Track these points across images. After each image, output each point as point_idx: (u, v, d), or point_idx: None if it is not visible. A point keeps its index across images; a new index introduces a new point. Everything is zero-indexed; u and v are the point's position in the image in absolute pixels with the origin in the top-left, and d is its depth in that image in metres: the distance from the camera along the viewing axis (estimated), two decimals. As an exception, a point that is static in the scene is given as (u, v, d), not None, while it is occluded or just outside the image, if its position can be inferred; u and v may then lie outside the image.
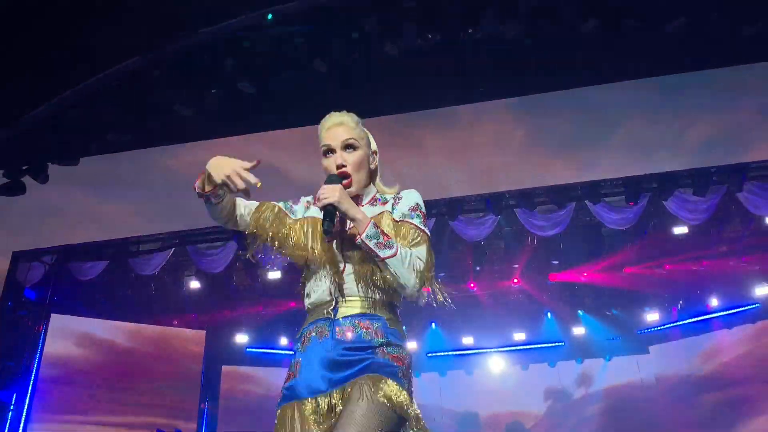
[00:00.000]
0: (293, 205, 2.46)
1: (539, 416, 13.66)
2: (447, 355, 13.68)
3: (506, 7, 7.28)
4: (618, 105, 9.86)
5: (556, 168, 10.26)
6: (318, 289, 2.26)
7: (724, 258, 11.22)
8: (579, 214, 10.30)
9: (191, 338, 13.13)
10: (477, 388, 13.85)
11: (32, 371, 11.08)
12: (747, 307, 12.05)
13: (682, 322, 12.77)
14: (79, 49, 7.88)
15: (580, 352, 13.74)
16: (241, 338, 13.21)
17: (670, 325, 12.95)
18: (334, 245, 2.25)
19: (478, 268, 12.00)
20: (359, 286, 2.22)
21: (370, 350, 2.15)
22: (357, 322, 2.18)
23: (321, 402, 2.12)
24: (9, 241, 10.45)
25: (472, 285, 12.32)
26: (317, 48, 7.66)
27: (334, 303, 2.21)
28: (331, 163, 2.32)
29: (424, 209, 2.37)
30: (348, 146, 2.33)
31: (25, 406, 10.78)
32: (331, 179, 2.26)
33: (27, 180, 9.61)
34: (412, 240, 2.27)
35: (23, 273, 11.23)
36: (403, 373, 2.17)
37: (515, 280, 12.33)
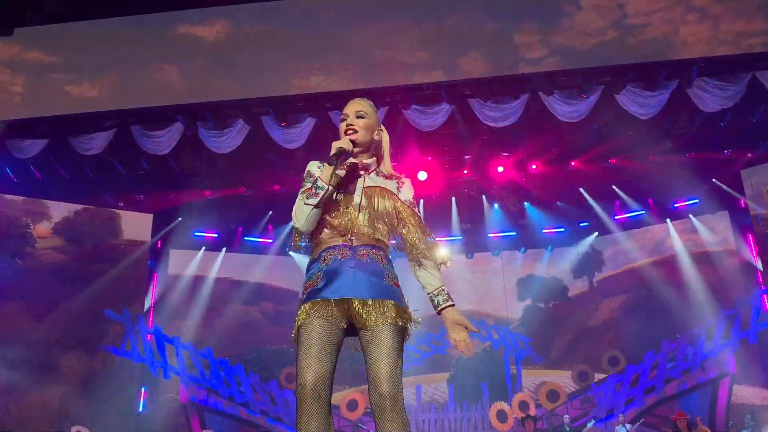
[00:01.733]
0: (313, 174, 2.97)
1: (482, 301, 14.23)
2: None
3: None
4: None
5: (507, 59, 10.12)
6: (341, 224, 2.86)
7: (670, 154, 11.48)
8: (532, 105, 10.29)
9: (138, 221, 12.99)
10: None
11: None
12: (688, 203, 12.54)
13: (626, 216, 13.25)
14: None
15: (524, 242, 14.21)
16: (188, 222, 13.15)
17: (614, 218, 13.43)
18: (360, 196, 2.91)
19: (429, 158, 12.03)
20: (370, 227, 2.87)
21: (381, 273, 2.81)
22: (369, 249, 2.83)
23: (343, 302, 2.71)
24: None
25: (421, 175, 12.37)
26: None
27: (351, 234, 2.84)
28: (343, 126, 3.00)
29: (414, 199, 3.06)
30: (359, 115, 2.98)
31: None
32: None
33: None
34: (416, 222, 2.94)
35: (-42, 149, 10.75)
36: (401, 294, 2.86)
37: (465, 171, 12.44)
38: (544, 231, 13.74)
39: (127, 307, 11.95)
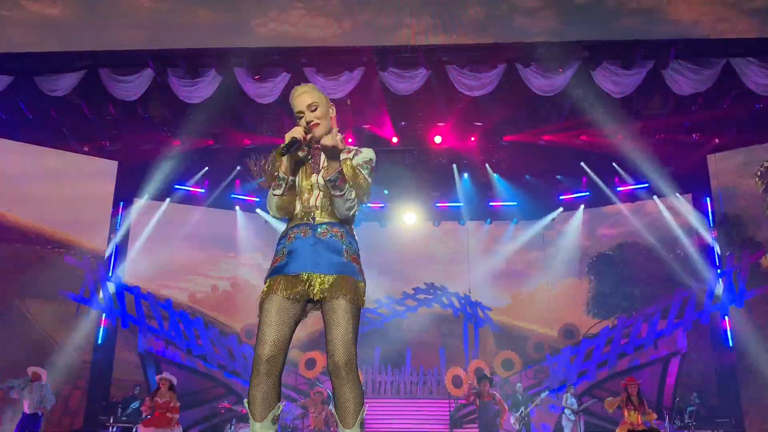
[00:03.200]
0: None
1: (445, 268, 14.35)
2: (363, 207, 13.90)
3: None
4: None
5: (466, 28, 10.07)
6: (303, 204, 3.09)
7: (641, 134, 11.58)
8: (508, 77, 10.26)
9: (102, 167, 12.73)
10: (389, 239, 14.30)
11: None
12: (651, 184, 12.69)
13: (590, 193, 13.40)
14: None
15: (490, 213, 14.31)
16: (153, 171, 12.91)
17: (579, 195, 13.57)
18: (313, 178, 3.10)
19: (403, 123, 11.96)
20: (330, 203, 3.05)
21: (340, 249, 3.01)
22: (328, 227, 3.03)
23: (303, 276, 2.95)
24: None
25: (394, 140, 12.31)
26: None
27: (313, 214, 3.05)
28: (303, 122, 3.10)
29: (374, 160, 3.22)
30: (313, 108, 3.11)
31: None
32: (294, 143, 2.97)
33: None
34: (359, 186, 3.07)
35: None
36: (359, 269, 3.05)
37: (437, 140, 12.38)
38: (510, 203, 13.82)
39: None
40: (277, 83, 10.25)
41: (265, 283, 3.03)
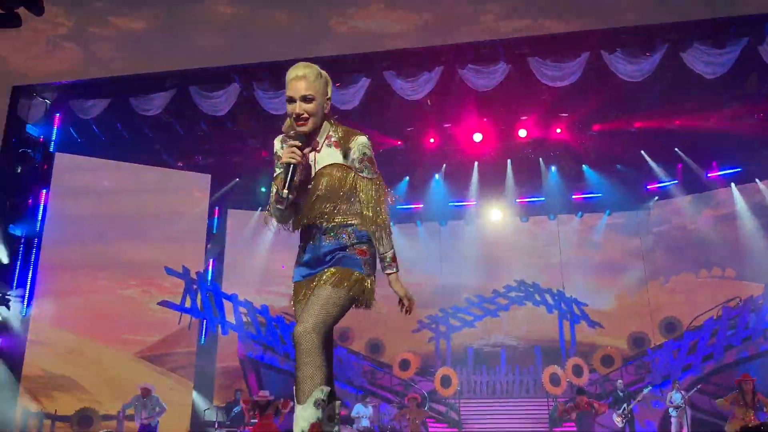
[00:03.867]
0: (280, 154, 3.02)
1: (536, 265, 14.10)
2: (448, 205, 13.87)
3: None
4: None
5: (571, 14, 9.85)
6: (309, 210, 2.97)
7: (737, 117, 11.05)
8: (593, 65, 10.00)
9: (196, 181, 13.26)
10: (475, 237, 14.19)
11: (39, 208, 11.29)
12: (755, 166, 12.06)
13: (687, 179, 12.86)
14: None
15: (581, 206, 13.95)
16: (246, 182, 13.35)
17: (672, 183, 13.03)
18: (313, 184, 2.95)
19: (485, 119, 11.86)
20: (335, 208, 2.95)
21: (344, 249, 2.92)
22: (337, 230, 2.93)
23: (307, 283, 2.95)
24: (8, 76, 10.22)
25: (478, 137, 12.22)
26: None
27: (322, 219, 2.94)
28: (292, 110, 2.88)
29: (370, 153, 3.00)
30: (308, 99, 2.86)
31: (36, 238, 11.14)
32: (299, 138, 2.90)
33: (22, 12, 9.24)
34: (369, 194, 2.95)
35: (24, 110, 11.10)
36: (364, 262, 2.93)
37: (522, 133, 12.20)
38: (602, 195, 13.43)
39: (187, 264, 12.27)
40: (358, 88, 10.40)
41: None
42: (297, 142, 2.88)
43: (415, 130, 12.31)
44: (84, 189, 12.02)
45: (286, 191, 2.84)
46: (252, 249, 13.67)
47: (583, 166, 12.88)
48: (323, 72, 2.98)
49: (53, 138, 11.39)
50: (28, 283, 11.02)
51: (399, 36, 9.65)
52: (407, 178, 13.30)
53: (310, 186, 2.98)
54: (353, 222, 2.96)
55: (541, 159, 13.00)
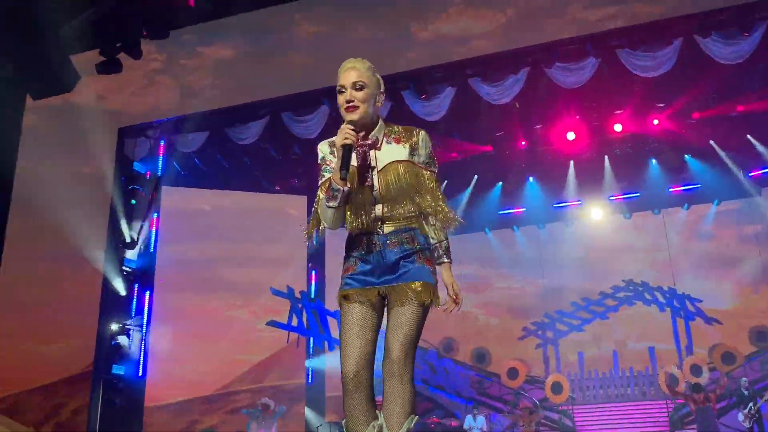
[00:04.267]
0: (328, 159, 2.92)
1: (643, 262, 13.58)
2: (545, 207, 13.59)
3: None
4: None
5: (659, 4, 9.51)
6: (367, 213, 2.83)
7: None
8: (686, 50, 9.61)
9: (294, 203, 13.64)
10: (577, 238, 13.83)
11: (150, 239, 11.92)
12: None
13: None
14: None
15: (686, 198, 13.34)
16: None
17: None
18: (374, 187, 2.82)
19: (578, 117, 11.60)
20: (397, 209, 2.83)
21: (410, 256, 2.81)
22: (399, 234, 2.82)
23: (372, 291, 2.79)
24: (110, 115, 10.92)
25: (571, 135, 11.97)
26: None
27: (380, 223, 2.82)
28: (342, 99, 2.81)
29: (433, 149, 2.94)
30: (358, 87, 2.80)
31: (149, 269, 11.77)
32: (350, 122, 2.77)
33: (122, 56, 9.84)
34: (435, 191, 2.87)
35: (131, 148, 11.79)
36: (432, 271, 2.84)
37: (617, 128, 11.84)
38: (708, 184, 12.78)
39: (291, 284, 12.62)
40: (443, 98, 10.42)
41: (339, 291, 2.87)
42: (350, 125, 2.76)
43: (505, 135, 12.20)
44: (190, 218, 12.60)
45: (344, 171, 2.70)
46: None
47: (686, 156, 12.34)
48: (375, 69, 2.92)
49: (159, 173, 12.02)
50: (145, 312, 11.64)
51: (483, 36, 9.58)
52: (500, 183, 13.17)
53: (368, 184, 2.84)
54: (414, 226, 2.86)
55: (640, 153, 12.56)
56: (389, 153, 2.88)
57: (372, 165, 2.86)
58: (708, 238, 13.41)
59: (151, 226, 11.94)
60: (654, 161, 12.64)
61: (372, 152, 2.86)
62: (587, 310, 13.76)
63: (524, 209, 13.58)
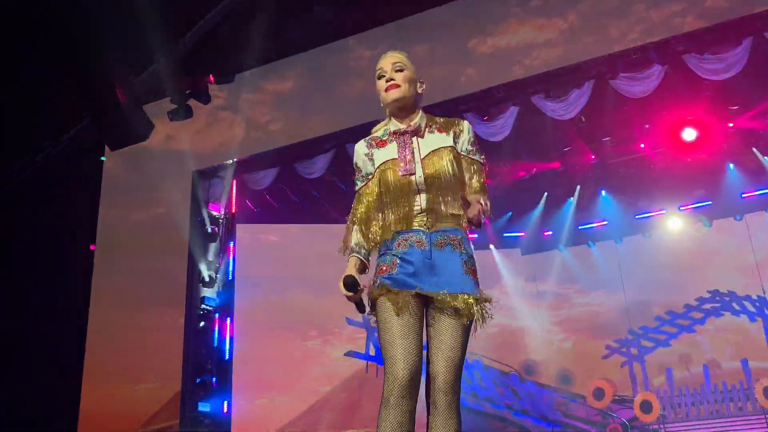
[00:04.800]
0: (367, 156, 2.84)
1: (729, 272, 13.02)
2: (621, 220, 13.24)
3: None
4: None
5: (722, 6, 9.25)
6: (409, 205, 2.62)
7: None
8: (759, 48, 9.29)
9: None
10: (657, 250, 13.40)
11: (229, 277, 12.23)
12: None
13: None
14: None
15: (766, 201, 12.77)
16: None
17: None
18: (417, 175, 2.63)
19: (647, 126, 11.35)
20: (443, 204, 2.62)
21: (458, 263, 2.57)
22: (447, 235, 2.59)
23: (414, 295, 2.53)
24: (184, 159, 11.33)
25: (641, 145, 11.71)
26: None
27: (426, 218, 2.60)
28: (382, 83, 2.74)
29: (476, 138, 2.80)
30: (398, 68, 2.72)
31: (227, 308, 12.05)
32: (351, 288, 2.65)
33: (192, 103, 10.26)
34: (480, 179, 2.71)
35: (205, 191, 12.18)
36: (476, 282, 2.59)
37: (690, 134, 11.50)
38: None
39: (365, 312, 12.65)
40: (507, 118, 10.39)
41: (373, 291, 2.63)
42: (346, 291, 2.63)
43: (573, 150, 12.03)
44: (265, 253, 12.84)
45: (364, 309, 2.65)
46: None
47: (765, 158, 11.85)
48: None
49: (233, 211, 12.36)
50: (227, 349, 11.89)
51: (546, 44, 9.46)
52: (571, 199, 12.96)
53: (411, 174, 2.64)
54: (460, 229, 2.64)
55: (716, 158, 12.14)
56: (433, 141, 2.72)
57: (417, 156, 2.67)
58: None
59: (227, 264, 12.26)
60: (731, 165, 12.20)
61: (414, 139, 2.71)
62: (673, 324, 13.26)
63: (600, 223, 13.30)
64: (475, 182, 2.69)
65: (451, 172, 2.61)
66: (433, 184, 2.60)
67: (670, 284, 13.19)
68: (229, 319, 12.06)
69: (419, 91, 2.80)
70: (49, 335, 10.04)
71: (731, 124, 11.22)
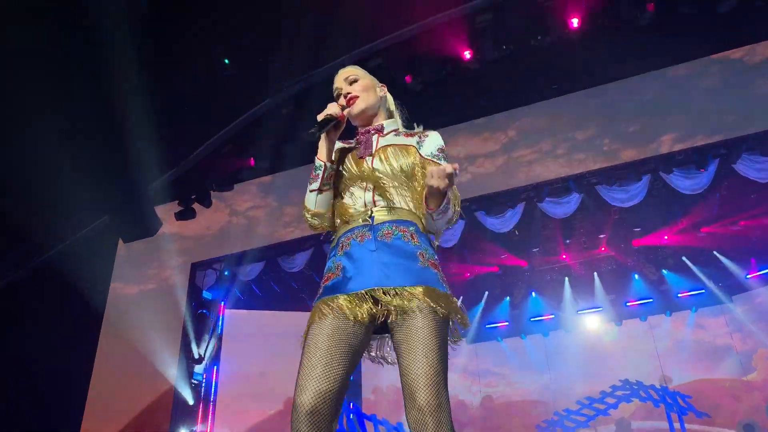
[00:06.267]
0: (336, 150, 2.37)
1: (638, 365, 13.14)
2: (548, 318, 13.41)
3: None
4: (679, 85, 9.35)
5: (629, 148, 9.85)
6: (354, 201, 2.12)
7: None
8: (654, 184, 9.85)
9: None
10: (577, 344, 13.52)
11: (215, 353, 11.92)
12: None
13: (762, 273, 11.92)
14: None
15: (668, 306, 13.12)
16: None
17: (750, 276, 12.12)
18: (366, 164, 2.14)
19: (567, 241, 11.74)
20: (392, 197, 2.08)
21: (412, 253, 1.98)
22: (394, 226, 2.03)
23: (365, 296, 1.94)
24: (185, 249, 11.32)
25: (564, 256, 12.06)
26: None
27: (370, 212, 2.07)
28: (341, 101, 2.27)
29: (446, 151, 2.20)
30: (351, 81, 2.29)
31: (213, 381, 11.65)
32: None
33: (196, 206, 10.38)
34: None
35: (200, 279, 12.08)
36: (441, 278, 2.00)
37: (602, 249, 11.95)
38: (683, 294, 12.61)
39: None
40: (455, 230, 10.64)
41: (312, 309, 2.07)
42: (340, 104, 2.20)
43: (508, 257, 12.33)
44: (248, 336, 12.61)
45: (315, 129, 2.04)
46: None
47: (663, 270, 12.28)
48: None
49: (223, 298, 12.22)
50: (209, 421, 11.43)
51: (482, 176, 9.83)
52: (508, 298, 13.14)
53: (362, 168, 2.13)
54: (414, 221, 2.05)
55: (623, 269, 12.54)
56: (394, 139, 2.23)
57: (370, 147, 2.22)
58: (688, 342, 13.04)
59: (215, 344, 11.99)
60: (636, 276, 12.59)
61: (375, 137, 2.25)
62: (591, 408, 13.18)
63: (525, 320, 13.45)
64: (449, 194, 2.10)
65: (406, 166, 2.10)
66: (383, 177, 2.10)
67: (588, 374, 13.23)
68: (213, 393, 11.67)
69: (380, 94, 2.34)
70: (51, 393, 9.63)
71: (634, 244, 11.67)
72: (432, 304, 1.85)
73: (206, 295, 12.09)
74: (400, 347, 1.86)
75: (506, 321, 13.35)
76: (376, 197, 2.08)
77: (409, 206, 2.08)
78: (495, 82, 9.04)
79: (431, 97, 8.95)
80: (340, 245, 2.09)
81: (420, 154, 2.14)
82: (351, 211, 2.11)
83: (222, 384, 11.82)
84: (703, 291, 12.58)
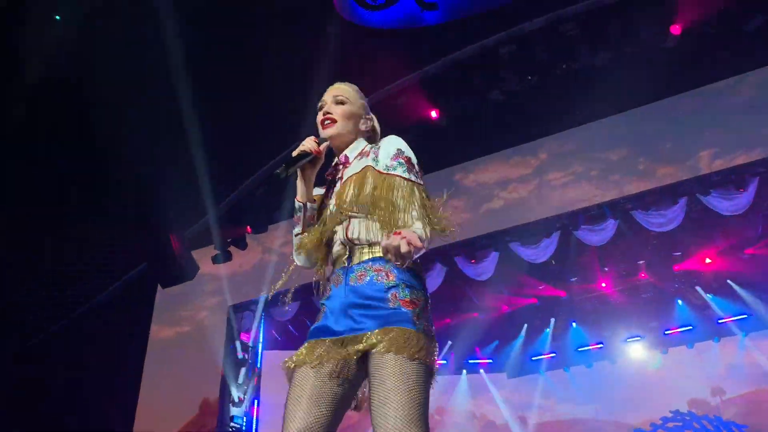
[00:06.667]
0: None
1: (686, 394, 12.56)
2: (595, 348, 12.95)
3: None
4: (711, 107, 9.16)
5: (665, 170, 9.64)
6: (336, 240, 2.03)
7: None
8: (692, 206, 9.56)
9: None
10: (623, 374, 13.01)
11: (255, 396, 11.85)
12: None
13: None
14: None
15: (716, 331, 12.55)
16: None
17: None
18: (336, 198, 2.02)
19: (606, 269, 11.44)
20: (368, 231, 1.94)
21: (381, 294, 1.86)
22: (368, 266, 1.93)
23: (336, 342, 1.88)
24: (222, 295, 11.39)
25: (603, 284, 11.73)
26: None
27: (347, 252, 1.98)
28: (320, 116, 2.17)
29: (407, 153, 2.00)
30: (338, 101, 2.15)
31: (254, 423, 11.56)
32: (321, 140, 2.13)
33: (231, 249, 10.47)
34: (403, 196, 1.90)
35: (238, 322, 12.10)
36: (417, 315, 1.84)
37: (642, 275, 11.58)
38: (732, 318, 12.05)
39: None
40: (489, 261, 10.48)
41: (301, 346, 1.99)
42: (315, 138, 2.07)
43: (545, 288, 12.07)
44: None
45: (283, 167, 1.93)
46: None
47: (708, 295, 11.80)
48: (363, 96, 2.22)
49: (260, 340, 12.19)
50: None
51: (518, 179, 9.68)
52: (548, 329, 12.80)
53: (332, 208, 2.04)
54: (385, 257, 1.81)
55: (666, 295, 12.10)
56: (356, 166, 2.09)
57: (338, 183, 2.09)
58: (739, 368, 12.41)
59: (254, 386, 11.91)
60: (680, 302, 12.13)
61: (340, 170, 2.13)
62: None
63: (568, 351, 13.03)
64: (412, 211, 1.87)
65: (367, 195, 1.93)
66: (347, 212, 1.97)
67: (636, 405, 12.69)
68: (253, 435, 11.57)
69: (362, 128, 2.17)
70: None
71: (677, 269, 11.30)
72: (397, 347, 1.74)
73: (244, 337, 12.07)
74: (371, 397, 1.77)
75: (549, 352, 12.97)
76: (351, 235, 1.98)
77: (376, 239, 1.94)
78: (519, 114, 9.02)
79: (457, 132, 8.95)
80: (325, 290, 2.07)
81: (378, 171, 2.00)
82: (334, 251, 2.04)
83: (263, 424, 11.67)
84: (751, 315, 12.00)
